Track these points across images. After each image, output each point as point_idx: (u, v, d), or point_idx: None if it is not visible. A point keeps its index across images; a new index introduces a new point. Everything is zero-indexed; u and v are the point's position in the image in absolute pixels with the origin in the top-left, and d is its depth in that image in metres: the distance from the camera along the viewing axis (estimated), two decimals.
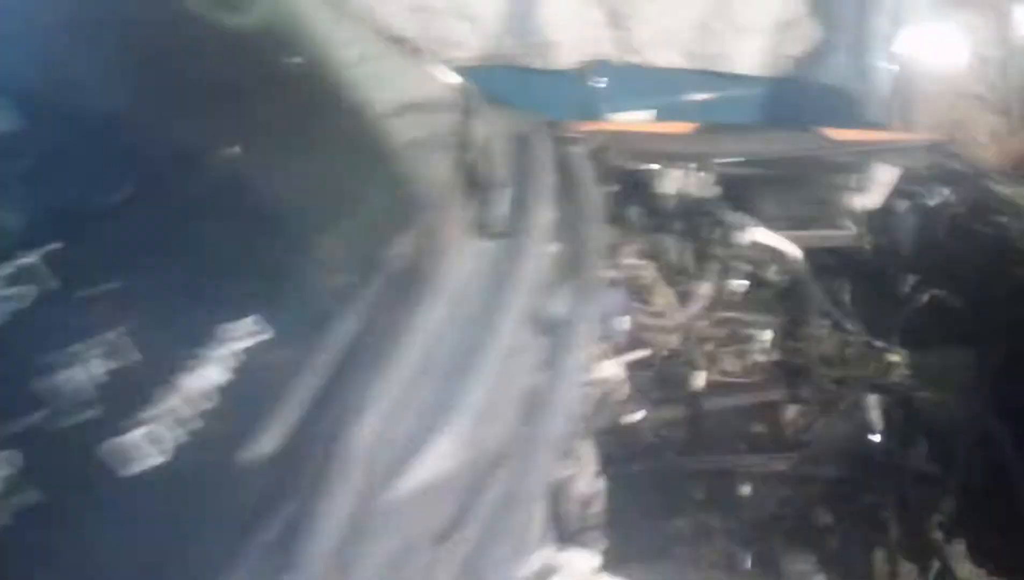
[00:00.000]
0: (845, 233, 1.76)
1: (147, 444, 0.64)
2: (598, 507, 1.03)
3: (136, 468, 0.63)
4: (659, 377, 1.62)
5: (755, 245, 1.62)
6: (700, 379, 1.65)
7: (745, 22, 2.93)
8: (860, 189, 1.78)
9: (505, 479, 0.75)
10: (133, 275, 0.69)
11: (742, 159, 1.82)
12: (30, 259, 0.64)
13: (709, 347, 1.68)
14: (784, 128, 2.16)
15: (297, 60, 1.11)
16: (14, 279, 0.62)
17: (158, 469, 0.63)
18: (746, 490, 1.63)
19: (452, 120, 1.37)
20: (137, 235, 0.74)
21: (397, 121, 1.28)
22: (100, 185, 0.72)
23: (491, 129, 1.45)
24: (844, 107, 2.78)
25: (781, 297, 1.73)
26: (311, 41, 1.18)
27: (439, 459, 0.72)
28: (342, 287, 0.85)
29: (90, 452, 0.61)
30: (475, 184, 1.20)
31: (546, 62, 2.89)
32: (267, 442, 0.66)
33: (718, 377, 1.68)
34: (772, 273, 1.68)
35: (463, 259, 1.01)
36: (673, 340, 1.60)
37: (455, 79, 1.59)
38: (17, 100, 0.79)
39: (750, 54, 2.95)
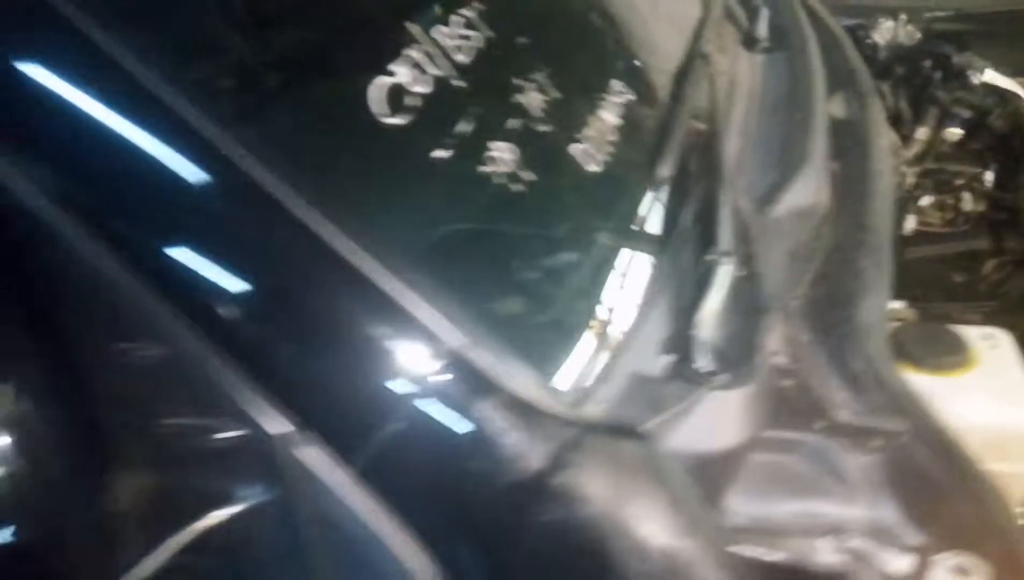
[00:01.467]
0: None
1: (585, 157, 0.80)
2: None
3: (587, 168, 0.79)
4: None
5: (982, 87, 1.62)
6: (907, 225, 1.69)
7: None
8: None
9: (841, 222, 0.89)
10: (539, 37, 0.85)
11: (953, 12, 1.81)
12: (470, 12, 0.78)
13: (917, 194, 1.71)
14: None
15: None
16: (468, 25, 0.77)
17: (597, 175, 0.79)
18: None
19: None
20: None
21: None
22: None
23: None
24: None
25: (997, 146, 1.73)
26: None
27: (800, 194, 0.86)
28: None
29: (559, 148, 0.78)
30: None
31: None
32: (664, 168, 0.81)
33: (922, 226, 1.72)
34: (993, 119, 1.68)
35: (754, 65, 1.11)
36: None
37: None
38: None
39: None
